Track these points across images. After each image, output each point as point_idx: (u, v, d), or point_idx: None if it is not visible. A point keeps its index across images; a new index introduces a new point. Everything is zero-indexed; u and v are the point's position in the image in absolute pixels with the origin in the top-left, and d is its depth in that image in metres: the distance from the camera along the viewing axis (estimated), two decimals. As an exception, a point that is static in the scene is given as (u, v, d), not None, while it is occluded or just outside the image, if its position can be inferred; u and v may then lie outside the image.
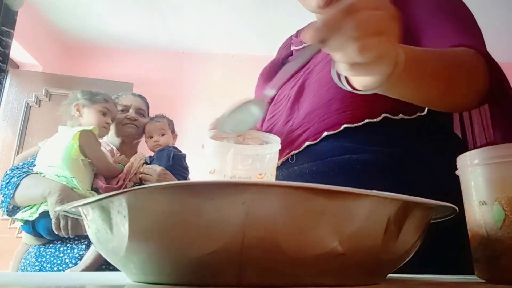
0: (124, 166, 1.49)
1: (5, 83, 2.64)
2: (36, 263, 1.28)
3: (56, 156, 1.32)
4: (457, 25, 0.67)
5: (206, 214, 0.29)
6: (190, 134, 2.42)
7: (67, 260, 1.26)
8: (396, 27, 0.41)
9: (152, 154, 1.69)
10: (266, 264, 0.30)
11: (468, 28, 0.68)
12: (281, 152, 0.62)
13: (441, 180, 0.61)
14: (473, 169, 0.43)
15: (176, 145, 1.81)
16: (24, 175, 1.32)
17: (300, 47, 0.86)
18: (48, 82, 2.90)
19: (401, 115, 0.68)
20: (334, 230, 0.30)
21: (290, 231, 0.30)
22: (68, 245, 1.29)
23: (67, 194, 1.25)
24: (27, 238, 1.34)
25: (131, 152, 1.62)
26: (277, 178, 0.74)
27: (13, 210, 1.33)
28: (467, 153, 0.44)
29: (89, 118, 1.45)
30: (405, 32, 0.52)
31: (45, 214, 1.25)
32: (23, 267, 1.32)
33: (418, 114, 0.69)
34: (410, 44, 0.53)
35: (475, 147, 0.73)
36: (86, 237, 1.27)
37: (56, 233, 1.24)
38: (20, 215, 1.29)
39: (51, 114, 1.97)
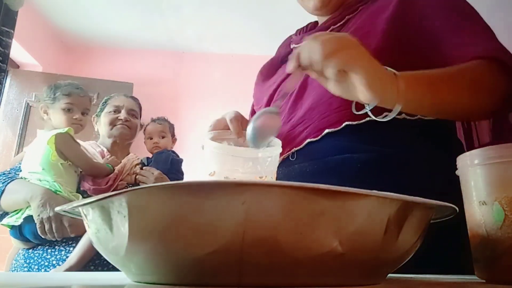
0: (113, 167, 1.47)
1: (5, 83, 2.64)
2: (25, 265, 1.27)
3: (35, 162, 1.32)
4: (474, 31, 0.67)
5: (206, 214, 0.29)
6: (190, 134, 2.42)
7: (54, 262, 1.25)
8: (354, 44, 0.50)
9: (149, 155, 1.69)
10: (266, 264, 0.30)
11: (482, 33, 0.68)
12: (282, 149, 0.63)
13: (441, 180, 0.61)
14: (473, 169, 0.43)
15: (176, 145, 1.81)
16: (9, 181, 1.32)
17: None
18: (48, 82, 2.87)
19: (403, 115, 0.68)
20: (334, 230, 0.30)
21: (290, 231, 0.30)
22: (56, 247, 1.28)
23: (49, 198, 1.24)
24: (15, 242, 1.33)
25: (123, 153, 1.60)
26: (277, 176, 0.74)
27: (2, 216, 1.32)
28: (467, 153, 0.44)
29: (55, 119, 1.40)
30: (421, 39, 0.67)
31: (29, 219, 1.25)
32: (13, 269, 1.32)
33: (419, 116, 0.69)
34: (428, 49, 0.64)
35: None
36: (74, 239, 1.27)
37: (43, 237, 1.23)
38: (6, 220, 1.29)
39: (51, 114, 1.95)
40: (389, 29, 0.69)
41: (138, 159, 1.59)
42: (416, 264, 0.44)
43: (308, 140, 0.72)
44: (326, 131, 0.69)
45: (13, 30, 2.25)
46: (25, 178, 1.33)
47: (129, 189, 0.31)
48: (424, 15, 0.70)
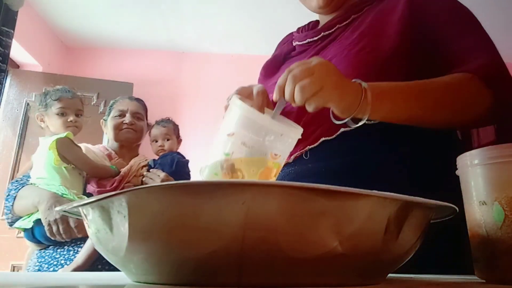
0: (118, 169, 1.50)
1: (5, 83, 2.64)
2: (37, 264, 1.34)
3: (40, 168, 1.39)
4: (471, 43, 0.69)
5: (206, 214, 0.29)
6: (190, 134, 2.42)
7: (62, 261, 1.32)
8: (329, 72, 0.56)
9: (156, 157, 1.69)
10: (266, 264, 0.30)
11: (481, 43, 0.69)
12: (295, 145, 0.62)
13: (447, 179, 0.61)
14: (473, 169, 0.43)
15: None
16: (20, 187, 1.39)
17: (304, 42, 0.86)
18: (48, 82, 2.89)
19: None
20: (334, 230, 0.30)
21: (290, 231, 0.30)
22: (65, 247, 1.35)
23: (55, 201, 1.30)
24: (30, 244, 1.41)
25: (131, 155, 1.62)
26: (290, 175, 0.73)
27: (15, 221, 1.40)
28: (467, 153, 0.44)
29: (52, 125, 1.44)
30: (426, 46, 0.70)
31: (39, 222, 1.31)
32: (28, 268, 1.40)
33: None
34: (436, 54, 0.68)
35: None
36: (82, 240, 1.33)
37: (52, 238, 1.30)
38: (18, 223, 1.37)
39: (51, 114, 1.95)
40: (403, 30, 0.70)
41: (145, 160, 1.60)
42: (416, 264, 0.44)
43: (323, 138, 0.70)
44: (342, 130, 0.68)
45: (13, 30, 2.25)
46: (35, 184, 1.39)
47: (128, 189, 0.31)
48: (430, 21, 0.71)
